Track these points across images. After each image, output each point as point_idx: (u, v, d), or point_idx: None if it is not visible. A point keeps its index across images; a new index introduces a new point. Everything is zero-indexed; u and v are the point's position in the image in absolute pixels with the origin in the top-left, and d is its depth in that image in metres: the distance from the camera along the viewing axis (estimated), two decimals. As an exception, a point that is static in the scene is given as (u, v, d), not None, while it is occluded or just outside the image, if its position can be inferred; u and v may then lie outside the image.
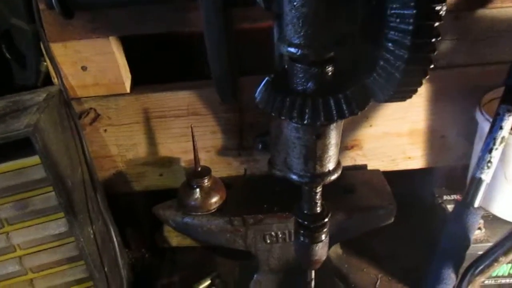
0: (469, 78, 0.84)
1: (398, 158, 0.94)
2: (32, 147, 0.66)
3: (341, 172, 0.54)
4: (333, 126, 0.48)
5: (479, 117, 0.79)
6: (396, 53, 0.38)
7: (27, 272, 0.77)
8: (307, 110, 0.43)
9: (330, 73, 0.45)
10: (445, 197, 0.90)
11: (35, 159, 0.68)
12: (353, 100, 0.44)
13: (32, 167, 0.69)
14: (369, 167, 0.94)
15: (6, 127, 0.66)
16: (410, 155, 0.93)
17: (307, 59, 0.43)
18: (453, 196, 0.90)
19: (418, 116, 0.88)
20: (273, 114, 0.45)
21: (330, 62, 0.44)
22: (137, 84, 0.85)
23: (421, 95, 0.85)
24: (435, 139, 0.91)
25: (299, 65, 0.45)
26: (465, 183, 0.87)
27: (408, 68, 0.37)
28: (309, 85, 0.45)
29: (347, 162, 0.93)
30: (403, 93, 0.42)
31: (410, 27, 0.36)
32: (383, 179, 0.91)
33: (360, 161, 0.93)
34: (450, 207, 0.87)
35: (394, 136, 0.90)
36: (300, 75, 0.45)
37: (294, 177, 0.53)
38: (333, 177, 0.52)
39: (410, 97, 0.43)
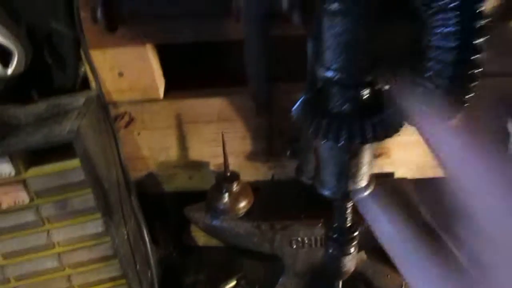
0: (501, 87, 0.82)
1: (426, 166, 0.93)
2: (72, 150, 0.69)
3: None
4: (367, 145, 0.49)
5: (511, 127, 0.78)
6: (436, 82, 0.39)
7: (64, 268, 0.81)
8: (342, 133, 0.45)
9: (366, 96, 0.46)
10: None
11: (75, 162, 0.71)
12: (388, 123, 0.45)
13: (72, 170, 0.73)
14: (396, 175, 0.94)
15: (49, 132, 0.69)
16: (439, 163, 0.92)
17: (344, 83, 0.44)
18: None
19: (448, 126, 0.87)
20: (310, 134, 0.47)
21: (367, 85, 0.45)
22: (170, 89, 0.87)
23: (453, 106, 0.85)
24: (464, 149, 0.90)
25: (336, 88, 0.46)
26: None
27: (448, 100, 0.38)
28: (344, 107, 0.46)
29: (374, 170, 0.93)
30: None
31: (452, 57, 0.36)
32: (410, 187, 0.91)
33: (387, 169, 0.94)
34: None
35: (424, 144, 0.89)
36: (337, 98, 0.46)
37: (327, 192, 0.54)
38: (365, 193, 0.54)
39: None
